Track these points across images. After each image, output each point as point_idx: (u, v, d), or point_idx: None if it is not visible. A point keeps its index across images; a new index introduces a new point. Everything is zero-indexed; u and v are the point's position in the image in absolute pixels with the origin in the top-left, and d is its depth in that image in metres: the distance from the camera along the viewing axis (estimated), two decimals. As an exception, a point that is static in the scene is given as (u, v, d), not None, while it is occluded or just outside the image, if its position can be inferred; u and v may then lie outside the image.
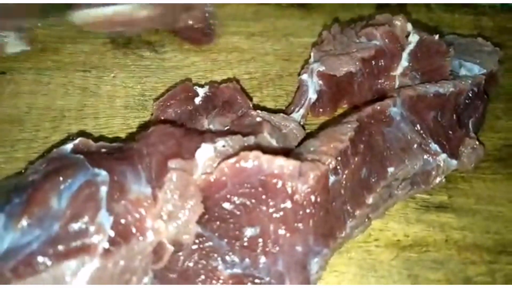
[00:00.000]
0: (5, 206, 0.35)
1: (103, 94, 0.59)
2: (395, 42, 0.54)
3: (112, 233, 0.33)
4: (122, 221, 0.34)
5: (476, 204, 0.50)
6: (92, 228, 0.33)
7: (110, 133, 0.54)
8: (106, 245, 0.33)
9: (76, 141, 0.42)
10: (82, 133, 0.53)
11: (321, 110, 0.56)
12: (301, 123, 0.54)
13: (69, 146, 0.42)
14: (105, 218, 0.34)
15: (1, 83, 0.60)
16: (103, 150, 0.41)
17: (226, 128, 0.49)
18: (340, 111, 0.58)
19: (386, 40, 0.53)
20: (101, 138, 0.52)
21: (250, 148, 0.40)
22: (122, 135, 0.54)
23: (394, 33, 0.53)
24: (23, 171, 0.45)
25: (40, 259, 0.31)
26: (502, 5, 0.80)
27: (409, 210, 0.49)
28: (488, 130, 0.57)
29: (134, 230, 0.34)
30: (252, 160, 0.38)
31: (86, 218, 0.33)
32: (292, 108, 0.54)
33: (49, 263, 0.31)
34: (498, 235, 0.47)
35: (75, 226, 0.33)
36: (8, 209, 0.34)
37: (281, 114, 0.51)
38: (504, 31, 0.73)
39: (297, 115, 0.54)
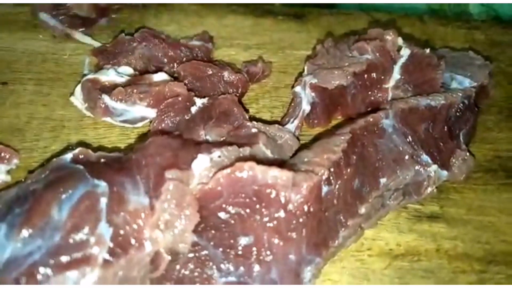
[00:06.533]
0: (7, 216, 0.35)
1: (103, 104, 0.60)
2: (387, 56, 0.55)
3: (111, 245, 0.34)
4: (122, 232, 0.35)
5: (467, 214, 0.51)
6: (92, 239, 0.34)
7: (109, 143, 0.55)
8: (106, 256, 0.34)
9: (76, 151, 0.43)
10: (81, 143, 0.54)
11: (315, 121, 0.57)
12: (296, 133, 0.55)
13: (68, 156, 0.42)
14: (105, 229, 0.34)
15: (3, 93, 0.61)
16: (102, 160, 0.42)
17: (222, 139, 0.50)
18: (334, 122, 0.59)
19: (378, 54, 0.55)
20: (100, 148, 0.54)
21: (245, 159, 0.42)
22: (121, 145, 0.55)
23: (385, 48, 0.55)
24: (23, 180, 0.46)
25: (41, 270, 0.32)
26: (494, 18, 0.82)
27: (401, 219, 0.50)
28: (480, 141, 0.59)
29: (133, 241, 0.35)
30: (247, 171, 0.39)
31: (86, 230, 0.34)
32: (287, 119, 0.56)
33: (50, 274, 0.32)
34: (488, 245, 0.48)
35: (76, 237, 0.33)
36: (10, 219, 0.35)
37: (276, 125, 0.52)
38: (496, 45, 0.75)
39: (292, 126, 0.55)
